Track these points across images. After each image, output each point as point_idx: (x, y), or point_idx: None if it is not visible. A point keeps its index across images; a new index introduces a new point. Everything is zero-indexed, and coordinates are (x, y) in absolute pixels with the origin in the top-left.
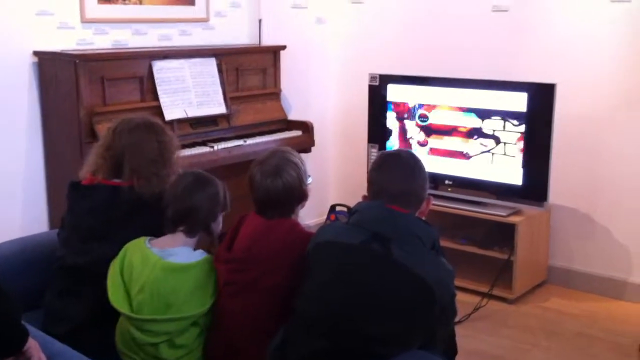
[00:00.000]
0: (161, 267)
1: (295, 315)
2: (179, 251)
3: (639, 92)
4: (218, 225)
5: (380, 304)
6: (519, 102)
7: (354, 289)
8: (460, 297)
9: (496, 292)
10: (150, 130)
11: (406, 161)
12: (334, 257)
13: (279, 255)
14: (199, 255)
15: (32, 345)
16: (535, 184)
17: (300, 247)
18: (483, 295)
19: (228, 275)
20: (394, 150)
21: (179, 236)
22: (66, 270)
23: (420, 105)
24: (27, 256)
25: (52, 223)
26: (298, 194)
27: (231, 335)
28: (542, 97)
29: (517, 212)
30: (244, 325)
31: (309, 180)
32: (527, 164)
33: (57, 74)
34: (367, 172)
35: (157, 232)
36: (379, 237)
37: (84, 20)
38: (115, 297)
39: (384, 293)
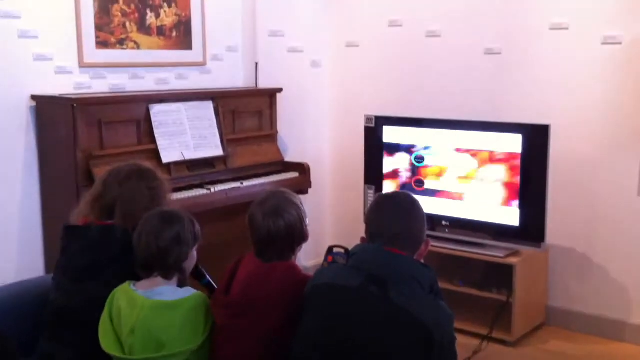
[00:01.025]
0: (149, 307)
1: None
2: (164, 290)
3: (631, 132)
4: (192, 261)
5: (379, 348)
6: (513, 143)
7: (352, 333)
8: (459, 339)
9: (495, 334)
10: (140, 179)
11: (404, 203)
12: (331, 300)
13: (277, 298)
14: (186, 292)
15: None
16: (532, 225)
17: (298, 290)
18: (482, 337)
19: (225, 319)
20: (392, 193)
21: (157, 280)
22: (57, 313)
23: (416, 147)
24: (22, 301)
25: (48, 267)
26: (299, 234)
27: None
28: (536, 138)
29: (514, 253)
30: None
31: (307, 221)
32: (523, 205)
33: (55, 117)
34: (365, 214)
35: None
36: (377, 279)
37: (82, 65)
38: (106, 342)
39: (383, 337)
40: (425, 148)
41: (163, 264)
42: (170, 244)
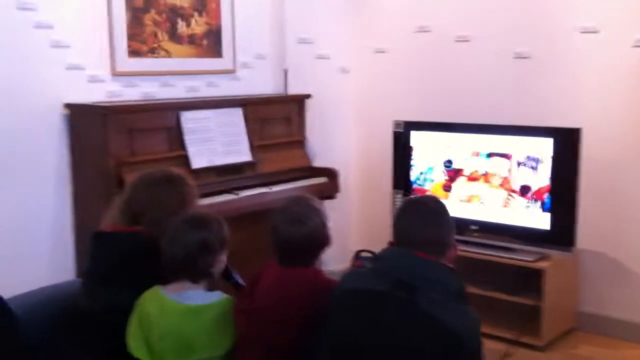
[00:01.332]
0: (179, 311)
1: None
2: (194, 294)
3: None
4: (220, 265)
5: (406, 355)
6: (544, 147)
7: (380, 339)
8: (487, 344)
9: (524, 339)
10: (168, 184)
11: (432, 208)
12: (358, 305)
13: (300, 303)
14: (217, 296)
15: None
16: (563, 228)
17: (322, 296)
18: (511, 342)
19: (247, 327)
20: (419, 197)
21: (186, 284)
22: (81, 318)
23: (445, 152)
24: (53, 305)
25: (78, 272)
26: (322, 240)
27: None
28: (567, 141)
29: (544, 257)
30: None
31: (330, 224)
32: (554, 209)
33: (87, 125)
34: (392, 218)
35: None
36: (405, 285)
37: (114, 73)
38: (135, 346)
39: (410, 342)
40: (454, 152)
41: (190, 270)
42: (197, 250)
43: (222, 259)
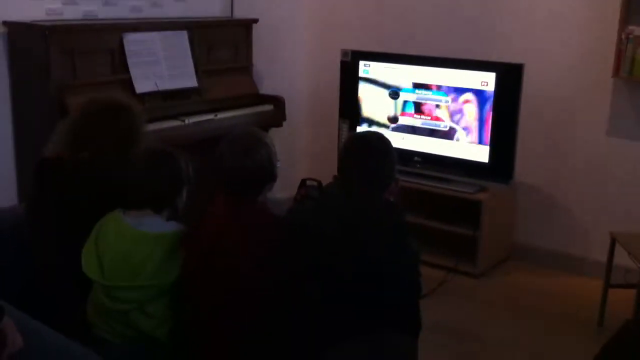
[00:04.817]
0: (133, 236)
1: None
2: (151, 221)
3: (601, 72)
4: (182, 200)
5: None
6: (487, 81)
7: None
8: (426, 271)
9: (461, 267)
10: (119, 111)
11: (376, 145)
12: (313, 242)
13: (247, 240)
14: (172, 226)
15: (7, 324)
16: (502, 162)
17: (269, 232)
18: (448, 269)
19: (198, 260)
20: (364, 133)
21: (148, 212)
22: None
23: (391, 83)
24: None
25: (20, 196)
26: (268, 175)
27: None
28: (510, 77)
29: (483, 190)
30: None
31: (278, 163)
32: (493, 143)
33: (27, 45)
34: (338, 152)
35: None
36: (348, 225)
37: None
38: (88, 265)
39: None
40: (400, 83)
41: (156, 200)
42: (166, 180)
43: (184, 192)
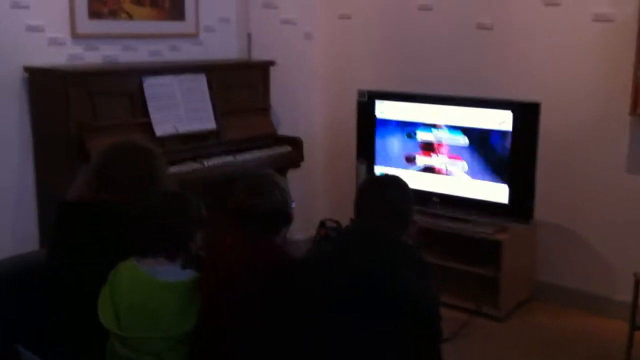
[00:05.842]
0: (150, 285)
1: None
2: (167, 270)
3: (618, 109)
4: (197, 242)
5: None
6: (504, 120)
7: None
8: (446, 314)
9: (484, 309)
10: (141, 155)
11: (393, 187)
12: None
13: (261, 278)
14: (188, 274)
15: None
16: (521, 201)
17: (282, 273)
18: (470, 312)
19: (210, 298)
20: (380, 176)
21: (162, 260)
22: (48, 288)
23: (409, 122)
24: (17, 276)
25: (42, 241)
26: (283, 216)
27: None
28: (526, 115)
29: (503, 229)
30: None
31: (293, 204)
32: (512, 182)
33: (48, 89)
34: (355, 194)
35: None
36: (362, 275)
37: (75, 36)
38: (105, 316)
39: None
40: (417, 124)
41: (168, 244)
42: (177, 224)
43: (199, 238)
